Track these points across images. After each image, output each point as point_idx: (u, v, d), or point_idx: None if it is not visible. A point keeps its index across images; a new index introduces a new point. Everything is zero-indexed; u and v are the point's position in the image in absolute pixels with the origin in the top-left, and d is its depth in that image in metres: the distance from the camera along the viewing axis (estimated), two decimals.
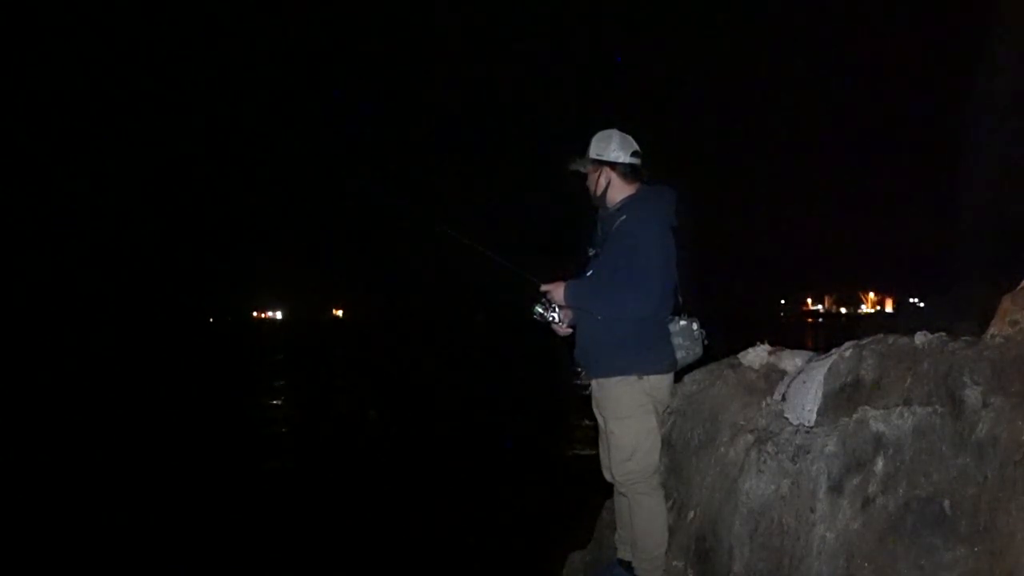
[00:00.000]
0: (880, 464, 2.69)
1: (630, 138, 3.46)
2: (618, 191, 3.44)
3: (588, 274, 3.47)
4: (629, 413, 3.33)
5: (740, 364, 3.71)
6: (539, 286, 3.47)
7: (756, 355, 3.68)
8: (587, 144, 3.50)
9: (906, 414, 2.68)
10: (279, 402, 22.89)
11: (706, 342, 3.50)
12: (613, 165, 3.42)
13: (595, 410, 3.54)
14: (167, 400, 20.83)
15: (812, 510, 2.86)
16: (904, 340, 2.90)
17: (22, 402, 19.29)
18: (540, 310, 3.47)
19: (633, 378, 3.32)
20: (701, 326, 3.48)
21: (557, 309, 3.45)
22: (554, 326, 3.48)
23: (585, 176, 3.52)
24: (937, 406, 2.61)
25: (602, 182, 3.45)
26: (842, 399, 2.94)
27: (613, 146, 3.43)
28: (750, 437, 3.29)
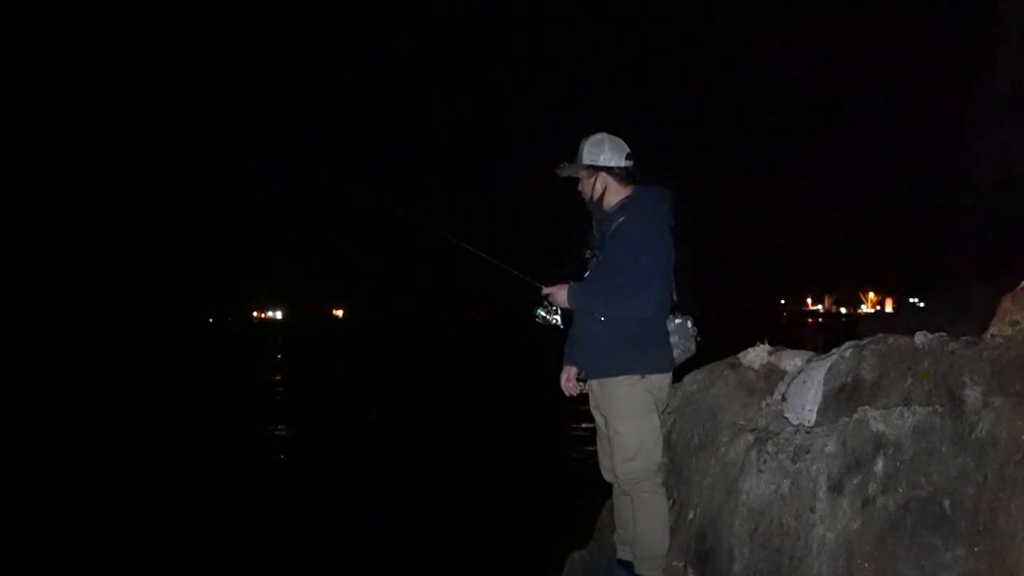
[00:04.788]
0: (880, 464, 2.69)
1: (621, 141, 3.46)
2: (615, 194, 3.44)
3: (586, 276, 3.48)
4: (633, 412, 3.34)
5: (740, 364, 3.71)
6: (540, 289, 3.46)
7: (756, 355, 3.69)
8: (576, 148, 3.48)
9: (906, 414, 2.68)
10: (279, 402, 22.89)
11: (699, 340, 3.50)
12: (609, 169, 3.42)
13: (594, 411, 3.54)
14: (166, 402, 20.82)
15: (812, 510, 2.85)
16: (904, 340, 2.90)
17: (20, 403, 19.27)
18: (542, 313, 3.47)
19: (636, 378, 3.33)
20: (695, 324, 3.49)
21: (559, 311, 3.45)
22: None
23: (577, 181, 3.52)
24: (937, 406, 2.61)
25: (598, 187, 3.44)
26: (842, 399, 2.94)
27: (606, 151, 3.42)
28: (750, 437, 3.29)
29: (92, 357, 38.46)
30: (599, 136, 3.46)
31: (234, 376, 30.80)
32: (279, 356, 46.76)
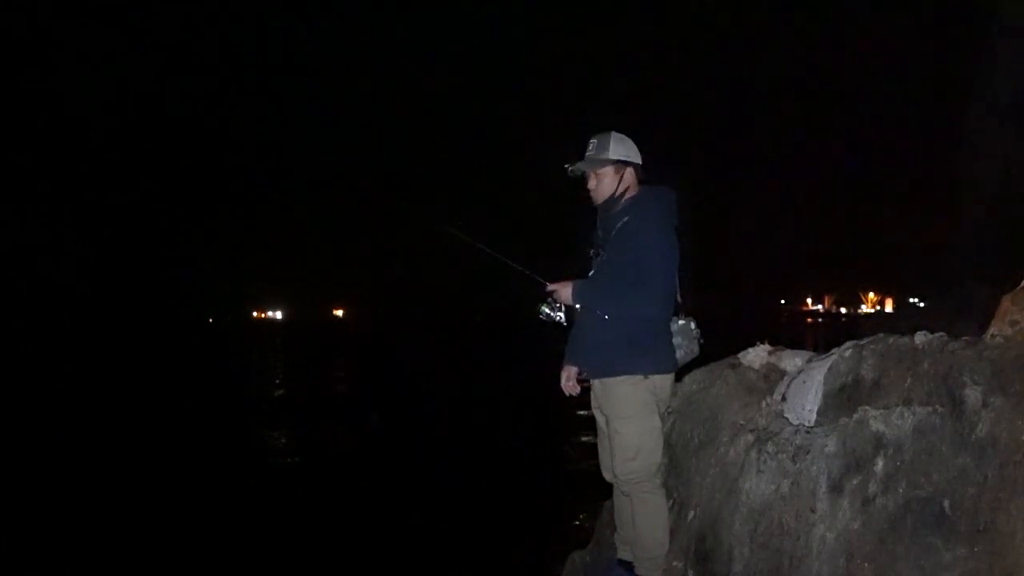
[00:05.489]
0: (880, 464, 2.69)
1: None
2: (630, 192, 3.45)
3: (590, 274, 3.48)
4: (634, 412, 3.34)
5: (740, 364, 3.71)
6: (546, 286, 3.47)
7: (756, 355, 3.68)
8: (583, 147, 3.48)
9: (906, 414, 2.68)
10: (278, 403, 22.88)
11: (702, 341, 3.51)
12: (635, 166, 3.44)
13: (595, 411, 3.54)
14: (165, 402, 20.81)
15: (812, 510, 2.85)
16: (904, 340, 2.90)
17: (18, 404, 19.25)
18: (547, 310, 3.48)
19: (639, 377, 3.34)
20: (697, 325, 3.49)
21: (563, 309, 3.45)
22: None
23: (582, 179, 3.51)
24: (937, 406, 2.60)
25: (623, 182, 3.44)
26: (842, 399, 2.94)
27: (631, 148, 3.44)
28: (750, 437, 3.29)
29: (91, 357, 38.43)
30: (619, 134, 3.46)
31: (233, 376, 30.80)
32: (278, 354, 46.76)
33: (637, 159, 3.44)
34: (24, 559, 7.66)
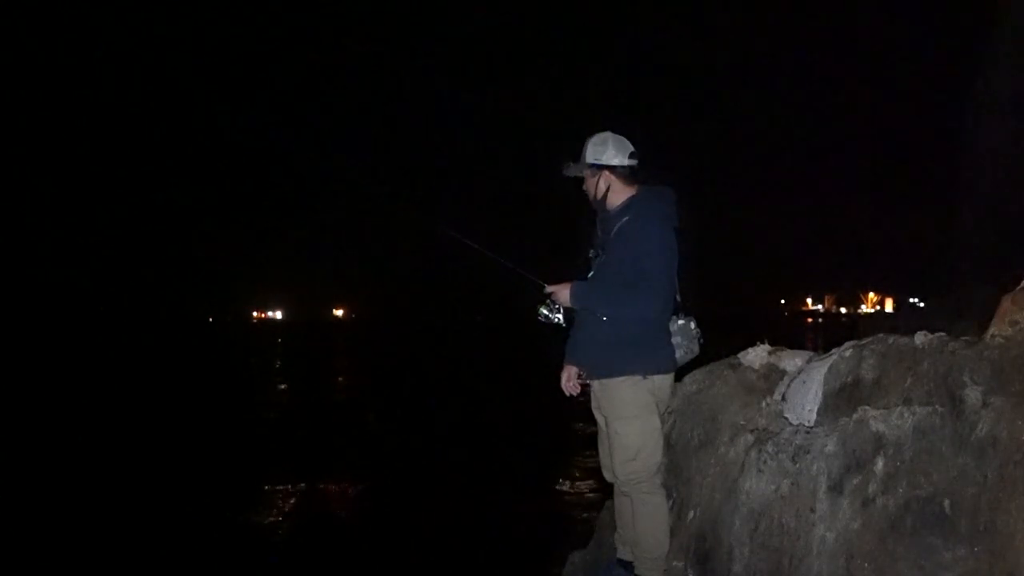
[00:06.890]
0: (880, 464, 2.69)
1: (625, 140, 3.46)
2: (619, 194, 3.44)
3: (589, 275, 3.48)
4: (634, 413, 3.34)
5: (740, 364, 3.71)
6: (543, 288, 3.46)
7: (756, 355, 3.68)
8: (581, 147, 3.49)
9: (906, 414, 2.68)
10: (277, 403, 22.87)
11: (702, 341, 3.50)
12: (612, 168, 3.42)
13: (595, 411, 3.54)
14: (165, 402, 20.80)
15: (812, 510, 2.86)
16: (904, 340, 2.90)
17: (17, 404, 19.21)
18: (545, 312, 3.48)
19: (638, 378, 3.33)
20: (697, 325, 3.49)
21: (562, 310, 3.45)
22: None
23: (581, 180, 3.51)
24: (937, 406, 2.61)
25: (602, 186, 3.44)
26: (842, 399, 2.94)
27: (610, 149, 3.42)
28: (750, 437, 3.29)
29: (90, 357, 38.42)
30: (603, 135, 3.45)
31: (232, 376, 30.79)
32: (278, 350, 46.76)
33: (617, 160, 3.40)
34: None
